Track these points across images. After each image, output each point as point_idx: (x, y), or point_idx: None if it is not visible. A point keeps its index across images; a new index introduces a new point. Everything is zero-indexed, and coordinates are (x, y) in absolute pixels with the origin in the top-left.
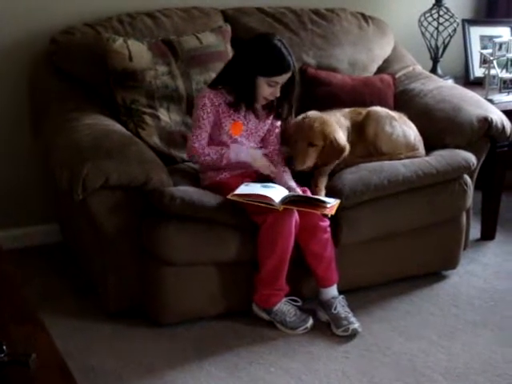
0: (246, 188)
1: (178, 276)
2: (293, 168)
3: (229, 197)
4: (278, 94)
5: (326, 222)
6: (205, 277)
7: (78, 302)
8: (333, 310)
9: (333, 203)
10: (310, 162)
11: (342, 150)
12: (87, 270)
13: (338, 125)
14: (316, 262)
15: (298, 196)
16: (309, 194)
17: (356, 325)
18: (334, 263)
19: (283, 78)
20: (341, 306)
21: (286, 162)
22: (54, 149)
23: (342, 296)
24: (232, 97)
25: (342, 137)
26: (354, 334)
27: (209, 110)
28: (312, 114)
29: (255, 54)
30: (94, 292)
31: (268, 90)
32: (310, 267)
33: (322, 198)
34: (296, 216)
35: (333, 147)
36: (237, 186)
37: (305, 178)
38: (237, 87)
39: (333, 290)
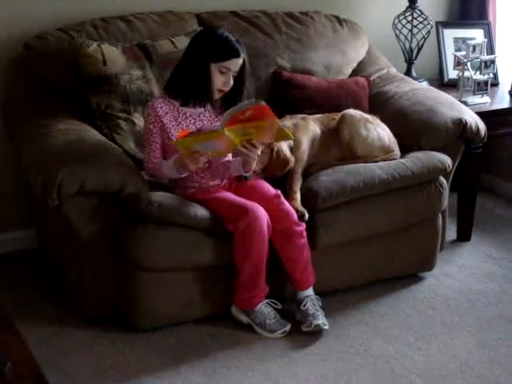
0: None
1: (155, 281)
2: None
3: (174, 143)
4: (231, 84)
5: (302, 227)
6: (182, 282)
7: (54, 309)
8: (301, 307)
9: (261, 103)
10: (257, 166)
11: (286, 161)
12: (64, 275)
13: (303, 125)
14: (292, 266)
15: (233, 110)
16: (282, 197)
17: (320, 321)
18: (310, 266)
19: (234, 64)
20: (311, 304)
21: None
22: (27, 154)
23: (317, 296)
24: (180, 100)
25: (287, 150)
26: (318, 331)
27: (153, 120)
28: None
29: (203, 42)
30: (70, 298)
31: (220, 78)
32: (286, 271)
33: (251, 101)
34: (268, 219)
35: (278, 157)
36: (206, 198)
37: (279, 182)
38: (190, 81)
39: (309, 292)
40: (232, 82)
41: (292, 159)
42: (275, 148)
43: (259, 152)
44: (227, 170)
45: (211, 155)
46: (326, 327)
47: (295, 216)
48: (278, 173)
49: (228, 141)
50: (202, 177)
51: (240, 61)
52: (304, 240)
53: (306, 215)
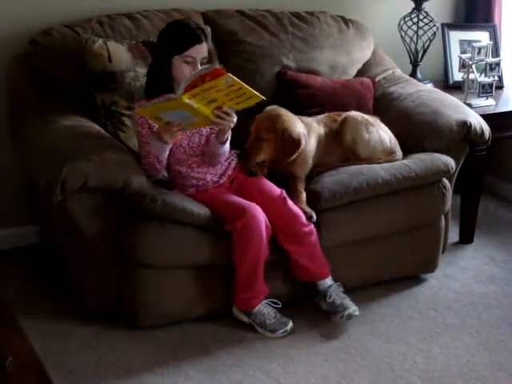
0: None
1: (157, 279)
2: (244, 162)
3: (136, 111)
4: None
5: (311, 226)
6: (183, 280)
7: (56, 305)
8: (328, 299)
9: (215, 66)
10: (262, 155)
11: (296, 143)
12: (66, 272)
13: (309, 128)
14: (307, 261)
15: (190, 76)
16: (287, 199)
17: (350, 310)
18: (323, 256)
19: (197, 51)
20: (335, 294)
21: (238, 155)
22: (32, 150)
23: (337, 283)
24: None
25: (296, 130)
26: (349, 318)
27: (140, 122)
28: (270, 108)
29: (164, 37)
30: (72, 294)
31: (187, 68)
32: (303, 267)
33: (205, 67)
34: (266, 220)
35: (285, 140)
36: (206, 198)
37: (281, 183)
38: (156, 78)
39: (329, 281)
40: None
41: (302, 140)
42: (279, 130)
43: (235, 119)
44: (215, 148)
45: (185, 126)
46: (357, 313)
47: (303, 218)
48: (289, 155)
49: (194, 110)
50: (198, 172)
51: (203, 47)
52: (314, 236)
53: (314, 216)
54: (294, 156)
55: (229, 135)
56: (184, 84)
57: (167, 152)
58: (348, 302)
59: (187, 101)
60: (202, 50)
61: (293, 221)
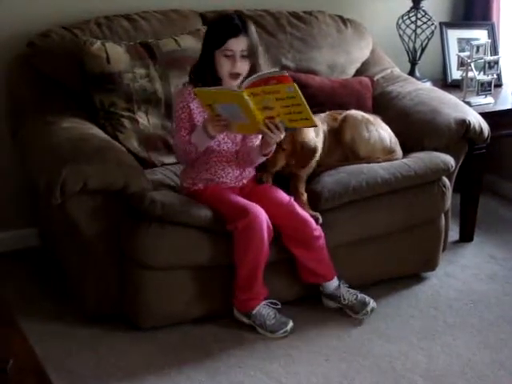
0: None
1: (158, 280)
2: (266, 169)
3: (196, 90)
4: (241, 66)
5: (318, 229)
6: (184, 281)
7: (56, 307)
8: (343, 301)
9: (283, 73)
10: (279, 164)
11: (313, 150)
12: (66, 274)
13: (316, 129)
14: (315, 265)
15: (256, 76)
16: (296, 205)
17: (370, 303)
18: (329, 259)
19: (234, 44)
20: (347, 293)
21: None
22: (31, 152)
23: (341, 282)
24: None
25: (312, 138)
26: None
27: (182, 106)
28: None
29: (207, 32)
30: (72, 296)
31: (227, 62)
32: (310, 270)
33: (273, 70)
34: (268, 222)
35: (304, 150)
36: (212, 195)
37: (283, 183)
38: (200, 70)
39: (334, 282)
40: (242, 63)
41: (318, 146)
42: (298, 142)
43: (282, 136)
44: (254, 153)
45: (232, 126)
46: (375, 304)
47: (313, 222)
48: (306, 165)
49: (248, 109)
50: (223, 167)
51: (240, 40)
52: (322, 240)
53: (320, 218)
54: (310, 164)
55: (272, 149)
56: (248, 81)
57: (206, 146)
58: (362, 296)
59: (246, 97)
60: (238, 43)
61: (303, 226)
